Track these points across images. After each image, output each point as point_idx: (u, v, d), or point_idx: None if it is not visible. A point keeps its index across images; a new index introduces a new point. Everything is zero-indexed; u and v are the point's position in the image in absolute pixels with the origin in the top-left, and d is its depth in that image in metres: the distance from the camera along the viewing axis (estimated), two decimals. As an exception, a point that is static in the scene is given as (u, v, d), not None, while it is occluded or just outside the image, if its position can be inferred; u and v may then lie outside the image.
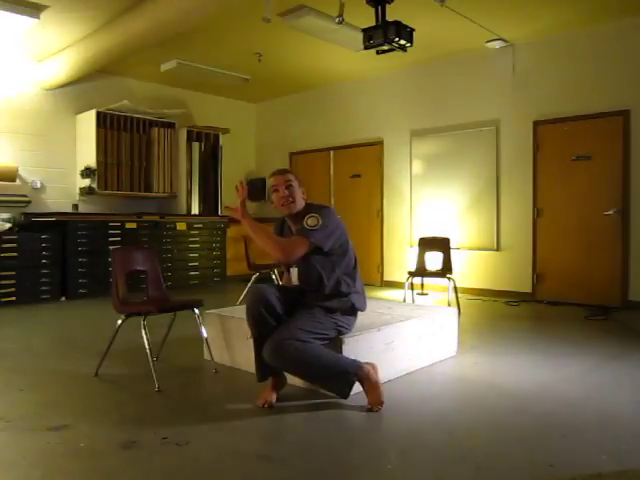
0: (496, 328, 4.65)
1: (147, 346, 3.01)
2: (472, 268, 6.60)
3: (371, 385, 2.62)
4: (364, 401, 2.65)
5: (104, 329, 3.87)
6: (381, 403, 2.59)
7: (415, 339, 3.31)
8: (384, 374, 3.05)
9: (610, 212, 5.60)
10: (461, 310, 5.21)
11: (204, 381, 3.23)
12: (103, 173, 6.93)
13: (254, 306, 2.67)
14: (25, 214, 6.53)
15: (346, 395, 2.64)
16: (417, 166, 7.15)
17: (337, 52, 6.34)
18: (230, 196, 8.44)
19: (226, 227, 7.86)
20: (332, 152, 8.10)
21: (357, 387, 2.80)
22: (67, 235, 6.28)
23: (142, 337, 3.02)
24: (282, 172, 2.84)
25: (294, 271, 2.83)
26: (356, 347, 2.84)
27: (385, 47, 4.40)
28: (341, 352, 2.79)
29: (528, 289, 6.18)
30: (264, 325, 2.66)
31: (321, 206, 2.79)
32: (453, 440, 2.25)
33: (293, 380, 2.97)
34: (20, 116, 6.62)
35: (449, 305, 5.15)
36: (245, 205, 2.71)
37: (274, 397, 2.68)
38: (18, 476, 1.99)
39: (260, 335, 2.67)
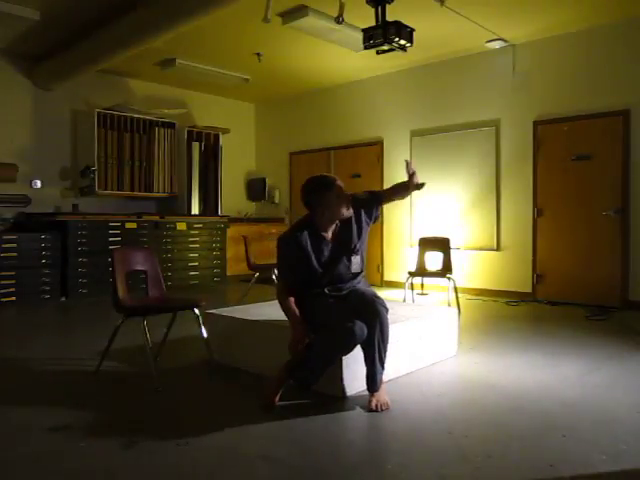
0: (496, 328, 4.65)
1: (147, 346, 3.02)
2: (472, 268, 6.60)
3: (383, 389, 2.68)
4: (364, 401, 2.65)
5: (104, 329, 3.87)
6: (387, 405, 2.60)
7: (415, 339, 3.30)
8: (385, 374, 3.06)
9: (610, 212, 5.60)
10: (461, 310, 5.21)
11: (204, 381, 3.23)
12: (103, 173, 6.93)
13: (348, 349, 2.65)
14: (25, 214, 6.53)
15: (377, 388, 2.64)
16: (417, 166, 7.07)
17: (337, 52, 6.33)
18: (230, 196, 8.46)
19: (226, 227, 7.86)
20: (332, 152, 8.10)
21: (360, 387, 2.81)
22: (67, 235, 6.28)
23: (142, 337, 3.02)
24: (333, 178, 2.74)
25: (356, 259, 2.80)
26: (356, 347, 2.83)
27: (385, 47, 4.40)
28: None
29: (528, 289, 6.18)
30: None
31: None
32: (453, 440, 2.25)
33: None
34: (20, 116, 6.63)
35: (449, 305, 5.15)
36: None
37: (278, 397, 2.67)
38: (18, 477, 1.99)
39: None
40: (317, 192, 2.69)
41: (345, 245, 2.78)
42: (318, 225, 2.73)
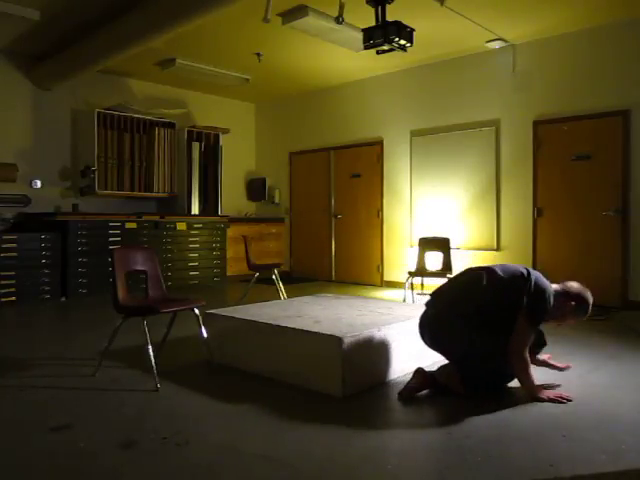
0: (496, 328, 4.64)
1: (147, 346, 3.01)
2: (472, 268, 6.59)
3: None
4: (364, 401, 2.64)
5: (104, 329, 3.87)
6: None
7: (415, 339, 3.30)
8: (384, 374, 3.06)
9: (610, 212, 5.59)
10: (461, 310, 5.20)
11: (204, 381, 3.23)
12: (103, 173, 6.93)
13: None
14: (25, 214, 6.53)
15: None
16: (417, 166, 7.14)
17: (337, 52, 6.33)
18: (230, 196, 8.46)
19: (226, 227, 7.86)
20: (332, 152, 8.10)
21: (360, 387, 2.81)
22: (67, 235, 6.28)
23: (142, 337, 3.02)
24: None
25: None
26: (357, 347, 2.84)
27: (385, 47, 4.39)
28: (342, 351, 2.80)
29: (528, 289, 6.16)
30: None
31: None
32: (453, 440, 2.25)
33: (293, 380, 2.97)
34: (20, 116, 6.62)
35: (449, 305, 5.14)
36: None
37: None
38: (18, 477, 1.99)
39: None
40: (583, 309, 2.93)
41: None
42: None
